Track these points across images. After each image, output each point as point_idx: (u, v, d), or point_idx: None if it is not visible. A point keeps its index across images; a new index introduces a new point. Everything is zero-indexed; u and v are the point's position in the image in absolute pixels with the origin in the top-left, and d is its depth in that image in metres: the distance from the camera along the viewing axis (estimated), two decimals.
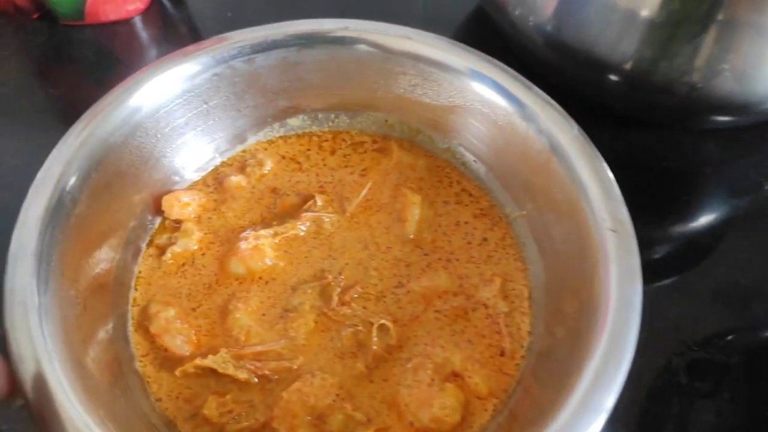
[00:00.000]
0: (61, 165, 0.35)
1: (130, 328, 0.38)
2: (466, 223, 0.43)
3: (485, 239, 0.42)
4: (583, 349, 0.31)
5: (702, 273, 0.47)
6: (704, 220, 0.50)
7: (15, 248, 0.31)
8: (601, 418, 0.29)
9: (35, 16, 0.60)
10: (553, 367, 0.34)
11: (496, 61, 0.41)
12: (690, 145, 0.54)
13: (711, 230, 0.51)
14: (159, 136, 0.40)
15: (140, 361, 0.37)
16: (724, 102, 0.46)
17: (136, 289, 0.40)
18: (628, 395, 0.29)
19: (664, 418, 0.41)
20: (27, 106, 0.55)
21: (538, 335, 0.38)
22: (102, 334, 0.36)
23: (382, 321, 0.38)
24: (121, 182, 0.38)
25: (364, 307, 0.39)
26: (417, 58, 0.42)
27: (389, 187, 0.44)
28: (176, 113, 0.41)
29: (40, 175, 0.34)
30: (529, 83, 0.40)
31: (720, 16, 0.41)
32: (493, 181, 0.44)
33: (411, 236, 0.42)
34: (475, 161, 0.45)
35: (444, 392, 0.36)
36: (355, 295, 0.39)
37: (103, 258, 0.38)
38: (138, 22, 0.61)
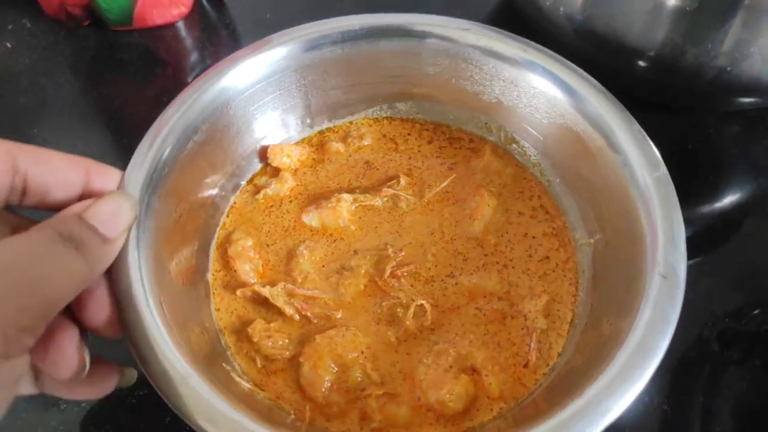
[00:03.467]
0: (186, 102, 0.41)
1: (213, 246, 0.44)
2: (533, 237, 0.44)
3: (547, 257, 0.43)
4: (594, 377, 0.32)
5: (730, 250, 0.50)
6: (731, 199, 0.52)
7: (130, 168, 0.37)
8: None
9: (86, 22, 0.63)
10: (566, 387, 0.35)
11: (616, 102, 0.41)
12: (714, 128, 0.56)
13: (738, 208, 0.53)
14: (279, 92, 0.46)
15: (213, 275, 0.43)
16: (753, 84, 0.47)
17: (227, 216, 0.46)
18: (662, 363, 0.31)
19: (697, 384, 0.43)
20: (81, 107, 0.58)
21: (565, 358, 0.39)
22: (189, 246, 0.41)
23: (423, 302, 0.41)
24: (234, 131, 0.44)
25: (412, 286, 0.42)
26: (531, 68, 0.43)
27: (471, 185, 0.46)
28: (284, 84, 0.46)
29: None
30: (631, 118, 0.40)
31: (748, 1, 0.41)
32: (571, 204, 0.44)
33: (476, 234, 0.44)
34: (560, 182, 0.45)
35: (457, 381, 0.38)
36: (407, 273, 0.42)
37: (208, 185, 0.44)
38: (182, 25, 0.64)
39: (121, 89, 0.60)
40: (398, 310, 0.41)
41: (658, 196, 0.37)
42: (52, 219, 0.30)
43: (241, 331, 0.40)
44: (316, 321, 0.41)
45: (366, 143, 0.49)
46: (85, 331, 0.33)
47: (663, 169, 0.38)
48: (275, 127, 0.47)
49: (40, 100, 0.58)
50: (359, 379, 0.38)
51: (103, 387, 0.34)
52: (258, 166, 0.48)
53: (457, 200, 0.46)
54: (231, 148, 0.45)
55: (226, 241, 0.44)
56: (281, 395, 0.38)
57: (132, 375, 0.36)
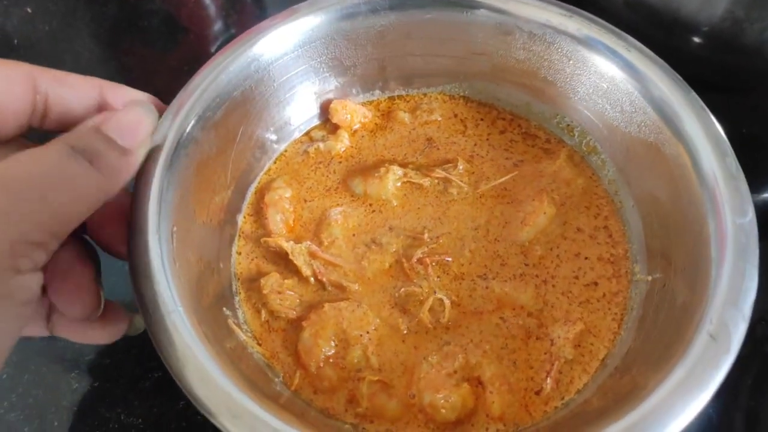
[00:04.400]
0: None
1: (252, 189, 0.43)
2: (586, 258, 0.40)
3: (596, 283, 0.39)
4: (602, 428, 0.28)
5: None
6: None
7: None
8: None
9: None
10: (572, 429, 0.31)
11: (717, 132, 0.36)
12: None
13: None
14: (354, 47, 0.43)
15: (244, 218, 0.42)
16: None
17: (274, 162, 0.44)
18: None
19: (744, 387, 0.40)
20: (102, 75, 0.52)
21: (584, 396, 0.34)
22: (225, 184, 0.40)
23: (443, 297, 0.38)
24: (297, 80, 0.43)
25: (438, 277, 0.39)
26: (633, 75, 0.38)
27: (533, 188, 0.42)
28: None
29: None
30: (729, 150, 0.34)
31: None
32: (639, 232, 0.39)
33: (523, 241, 0.40)
34: (633, 206, 0.40)
35: (457, 388, 0.35)
36: (436, 263, 0.39)
37: (261, 128, 0.43)
38: None
39: (142, 57, 0.58)
40: (416, 299, 0.38)
41: (735, 245, 0.31)
42: (68, 133, 0.29)
43: (255, 280, 0.39)
44: (330, 289, 0.39)
45: (434, 118, 0.46)
46: (99, 270, 0.32)
47: (750, 214, 0.32)
48: (345, 84, 0.45)
49: (60, 67, 0.53)
50: (357, 359, 0.36)
51: (113, 332, 0.34)
52: (318, 120, 0.46)
53: (513, 200, 0.42)
54: (288, 97, 0.43)
55: (266, 188, 0.43)
56: (276, 355, 0.37)
57: (140, 323, 0.34)
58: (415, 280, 0.39)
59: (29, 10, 0.59)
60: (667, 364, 0.29)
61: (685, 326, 0.30)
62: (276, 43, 0.40)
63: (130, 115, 0.31)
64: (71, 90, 0.32)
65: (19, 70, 0.31)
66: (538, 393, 0.35)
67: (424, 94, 0.47)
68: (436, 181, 0.43)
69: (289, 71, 0.42)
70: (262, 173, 0.44)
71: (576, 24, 0.40)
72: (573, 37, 0.40)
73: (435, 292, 0.38)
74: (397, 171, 0.42)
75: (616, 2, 0.47)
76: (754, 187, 0.44)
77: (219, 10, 0.60)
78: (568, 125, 0.44)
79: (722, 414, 0.39)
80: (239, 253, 0.41)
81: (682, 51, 0.46)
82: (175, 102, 0.36)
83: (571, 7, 0.40)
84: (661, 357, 0.30)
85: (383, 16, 0.42)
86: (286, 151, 0.45)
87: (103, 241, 0.33)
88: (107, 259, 0.33)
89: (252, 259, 0.41)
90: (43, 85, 0.31)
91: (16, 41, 0.58)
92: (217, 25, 0.59)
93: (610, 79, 0.39)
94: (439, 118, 0.46)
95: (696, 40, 0.45)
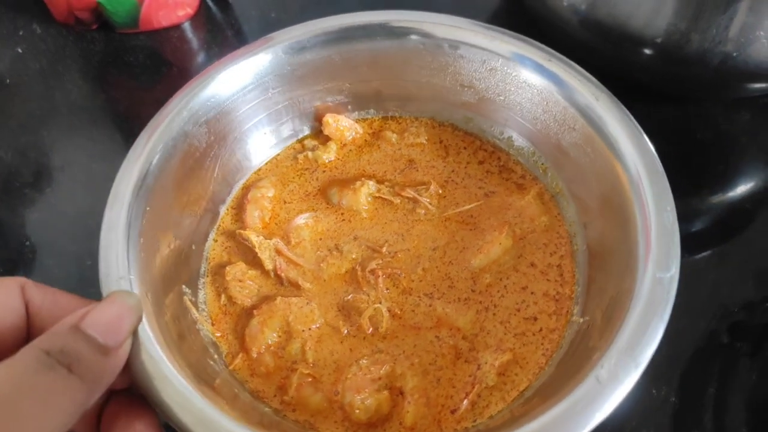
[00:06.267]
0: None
1: (240, 184, 0.47)
2: (532, 293, 0.41)
3: (536, 318, 0.40)
4: None
5: (741, 241, 0.48)
6: (742, 188, 0.51)
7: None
8: None
9: (94, 26, 0.63)
10: None
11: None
12: (722, 117, 0.55)
13: (749, 198, 0.51)
14: (352, 70, 0.47)
15: (227, 209, 0.46)
16: (760, 69, 0.46)
17: (266, 163, 0.48)
18: (671, 355, 0.32)
19: (707, 376, 0.42)
20: (90, 109, 0.58)
21: (495, 422, 0.36)
22: (216, 174, 0.45)
23: (383, 308, 0.40)
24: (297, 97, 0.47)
25: (387, 289, 0.41)
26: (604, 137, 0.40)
27: (498, 219, 0.44)
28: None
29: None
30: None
31: None
32: (584, 276, 0.40)
33: (475, 268, 0.42)
34: (586, 251, 0.41)
35: (376, 394, 0.37)
36: (386, 276, 0.41)
37: (264, 132, 0.47)
38: (187, 27, 0.64)
39: (128, 91, 0.60)
40: (362, 305, 0.41)
41: (649, 299, 0.32)
42: (43, 335, 0.26)
43: (223, 266, 0.43)
44: (286, 284, 0.42)
45: (420, 141, 0.48)
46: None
47: (674, 270, 0.33)
48: (341, 100, 0.49)
49: (50, 104, 0.59)
50: (295, 352, 0.39)
51: None
52: (309, 129, 0.49)
53: (476, 228, 0.44)
54: (284, 110, 0.47)
55: (252, 184, 0.47)
56: (225, 336, 0.41)
57: None
58: (364, 289, 0.41)
59: (20, 50, 0.63)
60: (556, 398, 0.30)
61: (584, 367, 0.31)
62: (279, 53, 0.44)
63: (112, 308, 0.28)
64: (56, 307, 0.30)
65: (11, 284, 0.29)
66: (453, 412, 0.37)
67: (416, 118, 0.50)
68: (406, 200, 0.45)
69: (289, 83, 0.46)
70: (252, 172, 0.48)
71: (577, 81, 0.41)
72: (564, 86, 0.42)
73: (380, 302, 0.40)
74: (371, 186, 0.45)
75: (572, 23, 0.51)
76: (706, 190, 0.51)
77: (201, 43, 0.64)
78: (543, 166, 0.45)
79: (687, 405, 0.41)
80: (215, 240, 0.45)
81: (636, 64, 0.50)
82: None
83: (562, 57, 0.42)
84: (557, 392, 0.31)
85: (379, 42, 0.45)
86: (279, 154, 0.49)
87: None
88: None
89: (225, 248, 0.44)
90: (35, 299, 0.29)
91: (8, 80, 0.61)
92: (200, 58, 0.63)
93: (579, 128, 0.41)
94: (425, 142, 0.48)
95: (647, 52, 0.47)
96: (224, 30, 0.64)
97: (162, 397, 0.30)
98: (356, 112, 0.50)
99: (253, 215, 0.45)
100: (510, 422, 0.31)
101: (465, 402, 0.37)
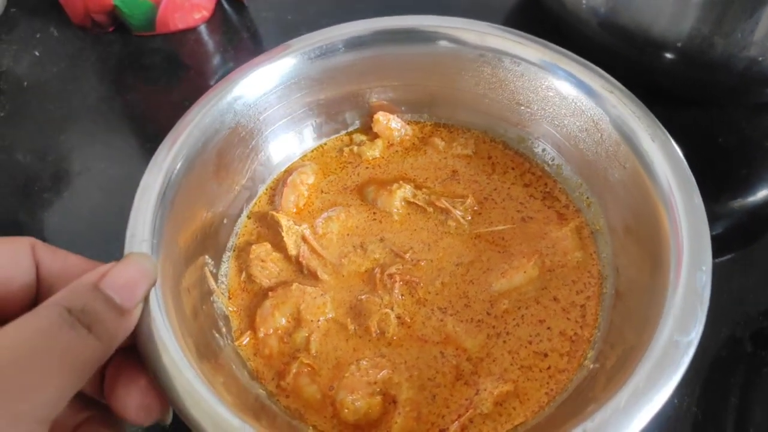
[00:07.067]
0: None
1: (283, 167, 0.48)
2: (548, 329, 0.39)
3: (546, 355, 0.39)
4: None
5: (765, 246, 0.47)
6: (765, 193, 0.51)
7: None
8: None
9: (111, 29, 0.64)
10: None
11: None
12: (745, 121, 0.54)
13: None
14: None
15: (265, 189, 0.47)
16: None
17: (312, 151, 0.49)
18: (693, 364, 0.30)
19: (730, 385, 0.41)
20: (107, 112, 0.58)
21: None
22: (260, 156, 0.46)
23: (391, 313, 0.40)
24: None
25: (402, 296, 0.41)
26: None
27: (530, 246, 0.43)
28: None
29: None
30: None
31: None
32: (607, 321, 0.39)
33: (494, 292, 0.41)
34: (613, 296, 0.39)
35: (369, 398, 0.37)
36: (403, 283, 0.41)
37: (315, 121, 0.48)
38: (203, 29, 0.63)
39: (145, 94, 0.61)
40: (373, 308, 0.41)
41: (659, 360, 0.30)
42: (63, 291, 0.27)
43: (249, 244, 0.44)
44: (305, 272, 0.43)
45: (467, 153, 0.48)
46: None
47: (693, 335, 0.31)
48: (393, 99, 0.48)
49: (68, 107, 0.59)
50: (300, 340, 0.40)
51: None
52: (360, 123, 0.50)
53: (505, 251, 0.43)
54: (352, 95, 0.48)
55: (294, 168, 0.47)
56: (238, 311, 0.42)
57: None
58: (379, 291, 0.41)
59: (37, 53, 0.64)
60: None
61: (578, 416, 0.30)
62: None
63: (129, 269, 0.29)
64: (67, 268, 0.30)
65: (22, 243, 0.30)
66: None
67: (467, 129, 0.49)
68: (439, 210, 0.44)
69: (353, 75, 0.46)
70: (300, 158, 0.48)
71: (624, 107, 0.40)
72: (619, 124, 0.40)
73: (392, 308, 0.40)
74: (407, 190, 0.45)
75: (591, 25, 0.49)
76: (729, 195, 0.51)
77: (217, 46, 0.64)
78: (588, 198, 0.43)
79: (709, 414, 0.40)
80: (249, 218, 0.46)
81: (657, 69, 0.48)
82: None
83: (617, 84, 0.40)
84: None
85: (437, 47, 0.45)
86: (326, 143, 0.49)
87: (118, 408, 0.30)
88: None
89: (256, 227, 0.45)
90: (45, 260, 0.30)
91: (26, 83, 0.62)
92: (216, 60, 0.63)
93: (630, 167, 0.39)
94: (471, 154, 0.48)
95: (668, 56, 0.46)
96: (240, 32, 0.65)
97: (158, 364, 0.31)
98: (409, 114, 0.49)
99: (289, 199, 0.46)
100: None
101: (456, 424, 0.36)
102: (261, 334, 0.40)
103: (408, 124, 0.49)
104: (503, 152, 0.48)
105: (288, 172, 0.47)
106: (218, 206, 0.43)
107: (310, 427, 0.37)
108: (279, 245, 0.44)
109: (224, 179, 0.43)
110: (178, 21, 0.63)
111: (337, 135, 0.49)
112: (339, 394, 0.37)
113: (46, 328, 0.25)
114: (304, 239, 0.43)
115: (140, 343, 0.31)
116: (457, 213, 0.44)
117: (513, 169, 0.47)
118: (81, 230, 0.51)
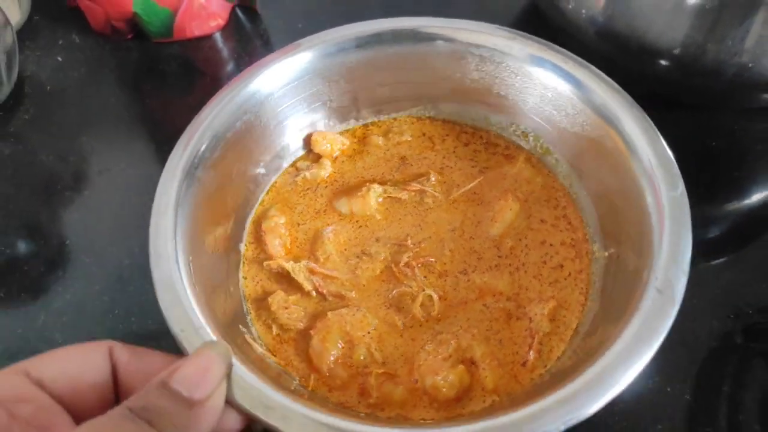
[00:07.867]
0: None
1: (250, 219, 0.48)
2: (551, 245, 0.45)
3: (561, 266, 0.44)
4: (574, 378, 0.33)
5: (756, 246, 0.50)
6: (757, 195, 0.53)
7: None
8: None
9: (130, 36, 0.66)
10: (553, 386, 0.36)
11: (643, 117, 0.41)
12: (737, 125, 0.57)
13: (765, 205, 0.53)
14: (328, 84, 0.49)
15: (245, 246, 0.47)
16: None
17: (267, 194, 0.49)
18: (685, 354, 0.33)
19: (722, 375, 0.43)
20: (126, 117, 0.61)
21: (563, 361, 0.40)
22: (227, 217, 0.45)
23: (431, 293, 0.43)
24: (281, 119, 0.48)
25: (425, 277, 0.44)
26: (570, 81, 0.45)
27: (499, 190, 0.48)
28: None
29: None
30: (659, 137, 0.40)
31: None
32: (593, 217, 0.45)
33: (495, 236, 0.46)
34: (586, 195, 0.46)
35: (453, 370, 0.39)
36: (421, 265, 0.44)
37: (252, 165, 0.48)
38: (218, 37, 0.67)
39: (162, 99, 0.63)
40: (408, 297, 0.43)
41: (671, 214, 0.37)
42: (132, 396, 0.27)
43: (263, 299, 0.44)
44: (330, 299, 0.44)
45: (405, 139, 0.51)
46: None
47: (681, 188, 0.38)
48: (322, 117, 0.51)
49: (88, 111, 0.62)
50: (363, 356, 0.41)
51: None
52: (302, 151, 0.51)
53: (482, 202, 0.47)
54: (275, 133, 0.49)
55: (262, 217, 0.48)
56: (290, 362, 0.41)
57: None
58: (404, 282, 0.44)
59: (60, 59, 0.66)
60: (623, 319, 0.34)
61: (636, 286, 0.36)
62: (266, 83, 0.46)
63: (198, 361, 0.29)
64: (144, 367, 0.31)
65: (97, 345, 0.30)
66: (524, 365, 0.40)
67: (394, 119, 0.53)
68: (413, 193, 0.48)
69: (276, 109, 0.47)
70: (257, 204, 0.49)
71: (519, 44, 0.46)
72: (516, 56, 0.46)
73: (424, 290, 0.43)
74: (377, 189, 0.48)
75: (589, 34, 0.53)
76: (722, 197, 0.54)
77: (231, 52, 0.66)
78: (523, 132, 0.50)
79: (701, 402, 0.43)
80: (245, 278, 0.45)
81: (652, 75, 0.51)
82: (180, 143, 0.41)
83: (514, 30, 0.47)
84: (619, 315, 0.35)
85: (351, 53, 0.48)
86: (276, 182, 0.50)
87: None
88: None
89: (257, 282, 0.45)
90: (122, 359, 0.31)
91: (48, 87, 0.63)
92: (230, 66, 0.66)
93: (552, 88, 0.46)
94: (410, 138, 0.51)
95: (663, 63, 0.50)
96: (253, 40, 0.68)
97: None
98: (338, 126, 0.52)
99: (275, 244, 0.46)
100: (594, 351, 0.34)
101: (531, 353, 0.40)
102: (325, 371, 0.40)
103: (341, 134, 0.52)
104: (433, 125, 0.52)
105: (257, 223, 0.48)
106: (219, 277, 0.42)
107: (419, 422, 0.38)
108: (289, 288, 0.44)
109: (213, 247, 0.43)
110: (195, 28, 0.66)
111: (282, 169, 0.50)
112: (426, 381, 0.39)
113: (114, 426, 0.26)
114: (311, 271, 0.44)
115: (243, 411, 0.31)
116: (429, 189, 0.48)
117: (448, 135, 0.52)
118: (101, 227, 0.54)
